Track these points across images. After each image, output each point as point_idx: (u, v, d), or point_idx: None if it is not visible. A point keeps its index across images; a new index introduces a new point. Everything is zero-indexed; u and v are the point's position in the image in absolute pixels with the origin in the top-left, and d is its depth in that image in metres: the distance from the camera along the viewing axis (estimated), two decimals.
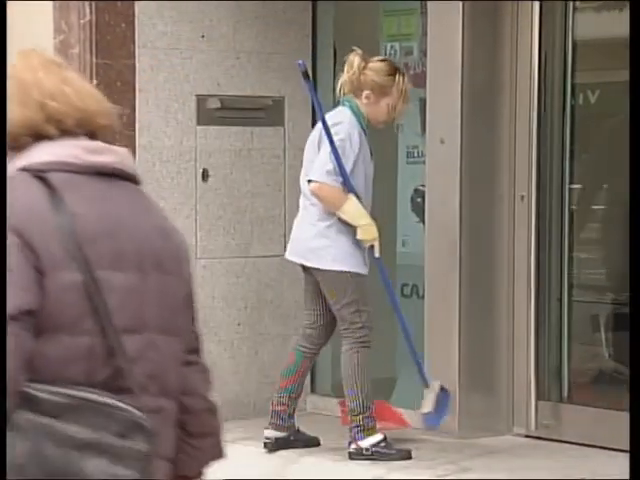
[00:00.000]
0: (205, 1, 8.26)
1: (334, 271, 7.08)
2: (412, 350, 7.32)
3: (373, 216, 8.23)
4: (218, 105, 8.28)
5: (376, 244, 7.11)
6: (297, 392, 7.37)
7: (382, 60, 7.31)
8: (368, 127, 7.23)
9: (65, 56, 7.67)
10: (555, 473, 6.84)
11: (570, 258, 7.68)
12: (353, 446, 7.05)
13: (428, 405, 7.04)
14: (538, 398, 7.57)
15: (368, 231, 6.99)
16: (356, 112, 7.06)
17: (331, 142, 6.94)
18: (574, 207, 7.81)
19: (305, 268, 7.42)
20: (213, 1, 8.28)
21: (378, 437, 7.04)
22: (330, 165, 6.96)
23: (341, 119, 7.10)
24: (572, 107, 7.79)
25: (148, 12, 8.02)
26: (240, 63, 8.35)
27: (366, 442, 6.99)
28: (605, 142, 8.04)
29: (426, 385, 7.16)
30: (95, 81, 7.67)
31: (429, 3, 7.93)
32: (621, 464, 6.60)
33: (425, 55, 8.04)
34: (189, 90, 8.22)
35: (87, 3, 7.83)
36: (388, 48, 8.56)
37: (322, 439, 7.90)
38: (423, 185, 8.00)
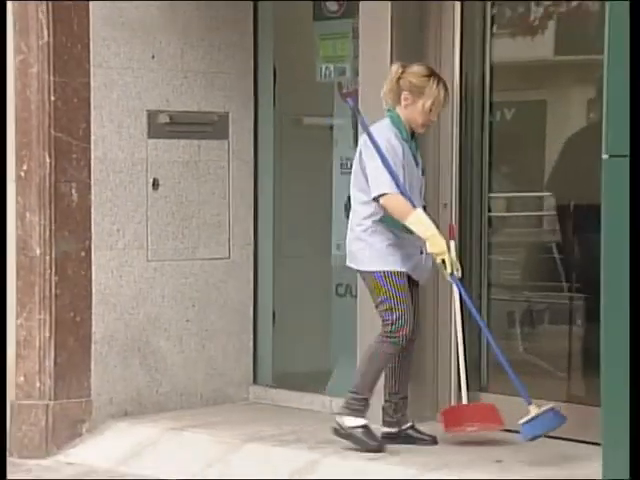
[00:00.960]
0: (155, 24, 8.27)
1: (368, 271, 7.08)
2: (504, 364, 7.14)
3: (315, 223, 8.51)
4: (167, 120, 8.32)
5: (447, 258, 6.91)
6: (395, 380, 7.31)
7: (420, 64, 7.25)
8: (407, 136, 7.09)
9: (25, 75, 7.87)
10: (474, 453, 6.96)
11: (489, 260, 7.78)
12: (338, 420, 7.03)
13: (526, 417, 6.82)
14: (459, 388, 7.61)
15: (435, 244, 6.85)
16: (396, 122, 7.05)
17: (382, 156, 6.93)
18: (492, 214, 7.91)
19: (356, 271, 7.35)
20: (162, 24, 8.30)
21: (360, 421, 7.00)
22: (384, 177, 6.92)
23: (382, 131, 7.06)
24: (490, 123, 7.91)
25: (102, 34, 8.04)
26: (188, 82, 8.42)
27: (348, 422, 6.98)
28: (520, 155, 8.20)
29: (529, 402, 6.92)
30: (53, 98, 7.81)
31: (361, 29, 7.99)
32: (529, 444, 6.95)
33: (357, 75, 8.09)
34: (140, 106, 8.25)
35: (45, 26, 7.77)
36: (324, 69, 8.60)
37: (263, 426, 7.88)
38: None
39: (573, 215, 7.98)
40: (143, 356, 8.27)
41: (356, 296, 7.96)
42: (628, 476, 5.58)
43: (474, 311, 7.22)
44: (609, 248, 5.74)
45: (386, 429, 7.20)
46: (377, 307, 7.15)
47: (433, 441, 7.12)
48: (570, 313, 7.80)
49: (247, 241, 8.82)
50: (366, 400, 7.03)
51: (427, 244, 6.90)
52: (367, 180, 7.06)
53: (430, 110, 7.07)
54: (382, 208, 6.97)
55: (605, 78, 5.73)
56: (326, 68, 8.59)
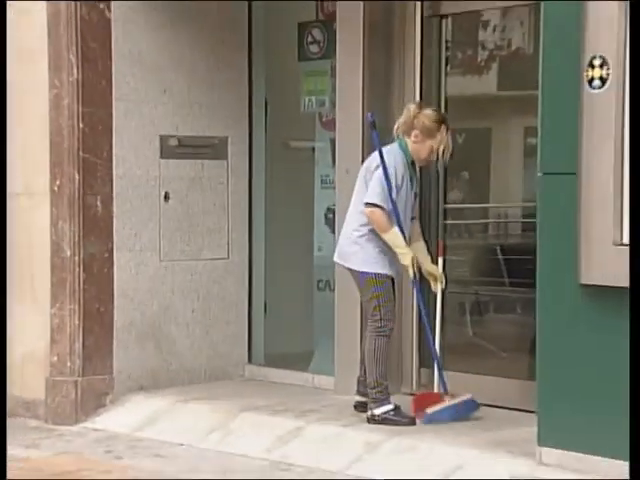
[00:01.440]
0: (166, 65, 8.25)
1: (360, 272, 7.04)
2: (434, 355, 7.22)
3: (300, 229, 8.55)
4: (176, 143, 8.32)
5: (410, 269, 6.97)
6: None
7: (434, 110, 7.21)
8: (412, 163, 7.10)
9: (58, 106, 7.87)
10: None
11: (444, 261, 7.53)
12: (369, 413, 6.99)
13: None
14: (420, 366, 7.80)
15: (404, 257, 6.91)
16: (404, 149, 6.99)
17: (385, 172, 6.91)
18: (447, 222, 7.86)
19: (348, 269, 7.22)
20: (172, 65, 8.28)
21: (389, 407, 6.97)
22: (380, 189, 6.89)
23: (391, 153, 6.99)
24: None
25: (122, 72, 8.03)
26: (193, 112, 8.42)
27: (378, 411, 6.94)
28: (470, 172, 8.21)
29: (445, 392, 7.07)
30: (81, 125, 7.81)
31: (338, 68, 8.00)
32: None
33: (334, 106, 8.11)
34: (154, 132, 8.23)
35: (75, 65, 7.76)
36: (307, 101, 8.61)
37: (256, 398, 7.86)
38: (333, 205, 8.06)
39: (513, 223, 8.11)
40: (156, 340, 8.28)
41: (334, 290, 7.96)
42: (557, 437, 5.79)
43: (423, 310, 7.22)
44: (543, 250, 5.89)
45: (359, 398, 7.19)
46: (365, 303, 7.19)
47: (412, 421, 6.98)
48: (510, 303, 7.86)
49: (243, 244, 8.81)
50: (386, 387, 7.02)
51: (399, 257, 6.95)
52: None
53: (435, 151, 7.06)
54: (367, 214, 6.94)
55: (540, 106, 5.90)
56: (309, 100, 8.59)
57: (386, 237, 6.95)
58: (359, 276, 7.09)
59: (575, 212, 5.66)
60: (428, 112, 7.07)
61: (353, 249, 7.03)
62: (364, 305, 7.20)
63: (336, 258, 7.24)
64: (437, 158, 7.18)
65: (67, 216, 7.92)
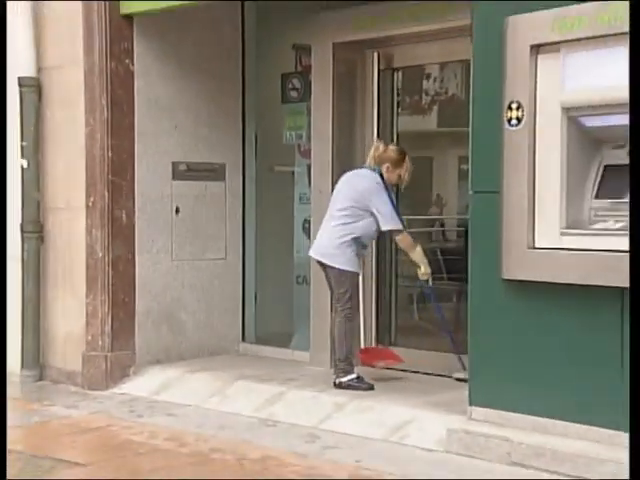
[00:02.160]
0: (177, 107, 8.21)
1: (341, 269, 6.97)
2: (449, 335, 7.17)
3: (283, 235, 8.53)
4: (185, 168, 8.28)
5: (429, 277, 7.01)
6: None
7: (397, 146, 7.22)
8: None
9: (92, 139, 7.86)
10: (380, 389, 7.03)
11: (397, 260, 7.82)
12: (337, 380, 6.96)
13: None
14: (377, 343, 7.81)
15: (426, 268, 6.94)
16: (381, 175, 6.95)
17: (389, 197, 6.96)
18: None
19: (323, 265, 7.10)
20: (182, 107, 8.24)
21: (353, 375, 6.96)
22: (393, 214, 6.88)
23: (376, 180, 6.95)
24: None
25: (143, 112, 7.99)
26: (198, 143, 8.38)
27: (344, 379, 6.93)
28: (416, 191, 8.07)
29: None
30: (110, 154, 7.81)
31: (312, 109, 8.01)
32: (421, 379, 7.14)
33: (309, 139, 8.08)
34: (167, 159, 8.19)
35: (105, 107, 7.75)
36: (288, 135, 8.55)
37: (248, 369, 7.85)
38: (309, 217, 8.04)
39: (450, 231, 8.12)
40: (169, 324, 8.27)
41: (309, 284, 7.94)
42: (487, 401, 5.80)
43: (437, 305, 7.27)
44: (473, 252, 5.93)
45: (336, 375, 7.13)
46: (338, 293, 7.05)
47: (370, 387, 6.95)
48: (448, 294, 7.86)
49: (237, 248, 8.76)
50: (351, 360, 7.02)
51: (422, 267, 6.96)
52: (360, 208, 6.92)
53: (401, 177, 7.06)
54: (398, 240, 7.02)
55: (470, 139, 5.91)
56: (289, 134, 8.54)
57: (413, 255, 7.02)
58: (338, 273, 7.00)
59: (498, 222, 5.70)
60: (393, 148, 7.11)
61: (336, 252, 6.96)
62: (337, 296, 7.05)
63: (319, 257, 7.12)
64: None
65: (99, 225, 7.89)
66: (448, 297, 7.79)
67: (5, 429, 3.83)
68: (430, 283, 7.09)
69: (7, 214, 8.42)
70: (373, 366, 7.25)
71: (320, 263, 7.13)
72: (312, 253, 7.22)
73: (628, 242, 5.17)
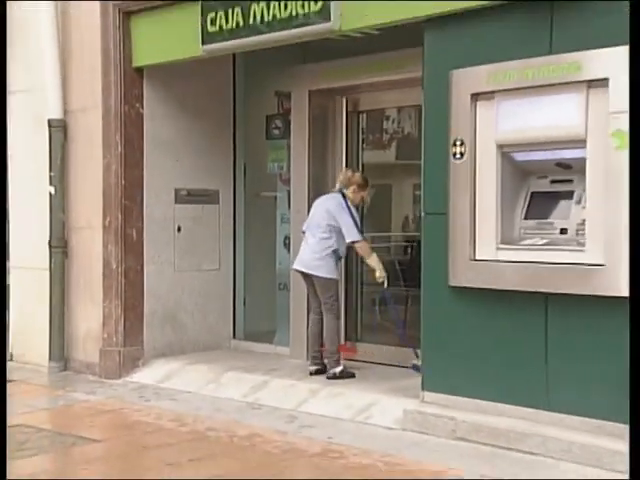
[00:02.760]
0: (179, 143, 8.14)
1: (324, 277, 6.93)
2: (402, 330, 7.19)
3: (267, 250, 8.43)
4: (185, 193, 8.22)
5: (385, 280, 6.95)
6: (318, 342, 7.13)
7: (361, 173, 7.23)
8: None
9: (108, 169, 7.86)
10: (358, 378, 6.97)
11: (362, 270, 7.78)
12: (330, 372, 6.91)
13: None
14: (346, 339, 7.68)
15: (381, 271, 6.89)
16: (344, 196, 6.94)
17: (351, 214, 6.92)
18: None
19: (306, 276, 7.05)
20: (182, 143, 8.17)
21: (340, 367, 6.90)
22: (355, 227, 6.87)
23: (340, 201, 6.95)
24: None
25: (150, 148, 7.93)
26: (196, 173, 8.31)
27: (337, 369, 6.87)
28: (375, 212, 8.09)
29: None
30: (123, 182, 7.80)
31: (292, 144, 7.96)
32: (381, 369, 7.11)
33: (289, 169, 8.07)
34: (170, 186, 8.13)
35: (119, 143, 7.72)
36: (271, 166, 8.48)
37: (237, 362, 7.78)
38: (289, 234, 8.00)
39: (407, 246, 8.11)
40: (172, 324, 8.20)
41: (289, 290, 7.90)
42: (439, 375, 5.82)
43: (393, 305, 7.29)
44: (425, 263, 5.93)
45: (314, 367, 7.08)
46: (326, 298, 6.97)
47: (353, 375, 6.94)
48: (404, 298, 7.79)
49: (229, 260, 8.67)
50: (339, 354, 6.99)
51: (378, 272, 6.92)
52: (334, 224, 6.90)
53: (363, 199, 7.12)
54: (357, 248, 6.95)
55: (422, 170, 5.93)
56: (272, 165, 8.47)
57: (370, 261, 6.97)
58: (325, 281, 6.96)
59: (445, 238, 5.73)
60: (358, 174, 7.13)
61: (320, 263, 6.93)
62: (325, 299, 6.98)
63: (304, 270, 7.04)
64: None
65: (113, 242, 7.85)
66: (404, 300, 7.74)
67: (5, 429, 3.83)
68: (385, 285, 7.04)
69: (34, 231, 8.46)
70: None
71: (304, 274, 7.06)
72: (297, 267, 7.13)
73: (553, 256, 5.30)
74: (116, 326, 7.89)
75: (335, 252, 6.99)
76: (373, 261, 6.99)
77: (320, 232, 6.95)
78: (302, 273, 7.09)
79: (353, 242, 6.92)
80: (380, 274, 6.96)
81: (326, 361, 7.01)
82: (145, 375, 7.78)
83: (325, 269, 6.95)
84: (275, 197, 8.54)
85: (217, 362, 7.82)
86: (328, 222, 6.93)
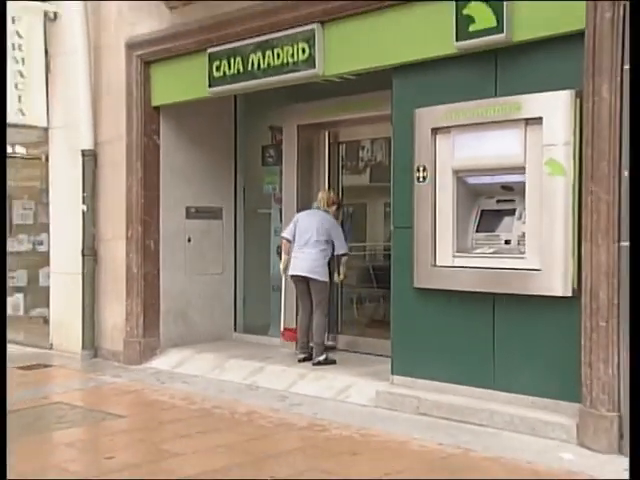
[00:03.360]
0: (189, 170, 8.07)
1: (321, 281, 6.86)
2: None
3: (262, 257, 8.33)
4: (195, 210, 8.17)
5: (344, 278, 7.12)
6: (307, 335, 7.04)
7: (338, 194, 7.33)
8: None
9: (130, 191, 7.81)
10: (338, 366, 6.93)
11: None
12: (315, 360, 6.84)
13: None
14: (329, 332, 7.41)
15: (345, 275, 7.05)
16: (332, 214, 7.01)
17: (342, 230, 7.02)
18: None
19: (303, 279, 6.95)
20: (192, 171, 8.10)
21: (324, 356, 6.85)
22: (345, 242, 6.96)
23: (333, 220, 7.01)
24: (344, 213, 7.73)
25: (165, 173, 7.89)
26: (204, 194, 8.26)
27: (321, 357, 6.82)
28: (358, 227, 8.09)
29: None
30: (142, 200, 7.77)
31: (283, 170, 7.92)
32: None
33: (281, 190, 8.03)
34: (182, 204, 8.07)
35: (140, 167, 7.68)
36: (266, 187, 8.44)
37: (238, 351, 7.67)
38: (280, 244, 7.63)
39: (378, 254, 8.07)
40: (183, 319, 8.13)
41: (281, 291, 7.74)
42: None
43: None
44: (394, 268, 5.90)
45: (302, 355, 7.02)
46: (320, 297, 6.92)
47: (334, 362, 6.89)
48: (377, 297, 7.76)
49: (230, 265, 8.57)
50: (324, 344, 6.97)
51: (342, 274, 7.08)
52: (329, 238, 6.89)
53: (339, 216, 7.20)
54: (344, 260, 7.02)
55: (392, 191, 5.90)
56: (267, 187, 8.44)
57: (342, 266, 7.09)
58: (321, 284, 6.90)
59: (411, 248, 5.73)
60: (335, 195, 7.18)
61: (320, 270, 6.87)
62: (318, 299, 6.92)
63: (306, 274, 6.91)
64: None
65: (134, 251, 7.83)
66: (377, 300, 7.69)
67: (5, 429, 3.57)
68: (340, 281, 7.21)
69: (70, 242, 8.39)
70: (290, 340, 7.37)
71: (305, 278, 6.94)
72: (299, 272, 6.97)
73: (499, 262, 5.30)
74: (137, 321, 7.84)
75: (329, 260, 6.99)
76: (344, 267, 7.09)
77: (320, 245, 6.89)
78: (301, 278, 6.98)
79: (344, 254, 6.98)
80: (344, 275, 7.11)
81: (314, 349, 6.93)
82: (161, 362, 7.74)
83: (323, 274, 6.90)
84: (269, 213, 8.49)
85: (221, 351, 7.76)
86: (326, 237, 6.90)
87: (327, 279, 6.95)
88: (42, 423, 5.58)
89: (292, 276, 7.06)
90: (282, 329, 7.53)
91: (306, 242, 6.95)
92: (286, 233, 7.19)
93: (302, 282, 7.00)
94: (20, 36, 8.17)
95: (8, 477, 3.67)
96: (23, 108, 8.27)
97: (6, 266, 7.31)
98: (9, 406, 5.76)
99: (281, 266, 7.36)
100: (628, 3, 4.39)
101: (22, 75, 8.21)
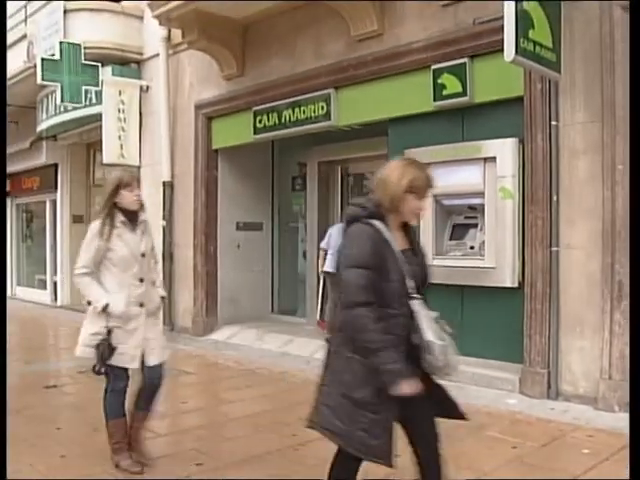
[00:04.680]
0: (238, 194, 8.00)
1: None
2: None
3: (292, 259, 8.18)
4: (242, 225, 8.13)
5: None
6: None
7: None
8: None
9: (196, 212, 7.76)
10: None
11: None
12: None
13: None
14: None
15: None
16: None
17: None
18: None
19: (333, 275, 6.22)
20: (240, 193, 8.01)
21: None
22: None
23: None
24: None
25: (222, 196, 7.79)
26: (249, 212, 8.20)
27: None
28: None
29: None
30: (205, 219, 7.71)
31: (308, 196, 7.85)
32: None
33: (306, 209, 7.90)
34: (233, 220, 7.99)
35: (204, 194, 7.63)
36: (295, 207, 8.30)
37: (274, 327, 7.53)
38: (306, 250, 7.77)
39: None
40: (234, 304, 8.01)
41: (305, 283, 7.67)
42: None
43: None
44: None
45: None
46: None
47: None
48: None
49: (268, 264, 8.45)
50: None
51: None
52: None
53: None
54: None
55: None
56: (296, 207, 8.37)
57: None
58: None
59: None
60: None
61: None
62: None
63: (331, 270, 6.39)
64: None
65: (199, 254, 7.71)
66: None
67: (5, 429, 3.03)
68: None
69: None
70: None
71: (334, 274, 6.37)
72: (328, 269, 6.58)
73: (466, 262, 5.25)
74: (201, 305, 7.81)
75: None
76: None
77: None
78: (333, 274, 6.53)
79: None
80: None
81: None
82: (218, 334, 7.67)
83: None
84: (297, 227, 8.41)
85: (261, 327, 7.70)
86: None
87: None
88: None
89: (327, 272, 6.67)
90: (318, 319, 7.19)
91: (333, 248, 6.61)
92: (323, 244, 6.82)
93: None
94: (123, 103, 8.35)
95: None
96: (124, 152, 8.42)
97: (6, 266, 6.96)
98: None
99: (320, 269, 6.93)
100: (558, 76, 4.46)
101: (123, 130, 8.37)
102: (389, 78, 5.76)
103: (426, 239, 5.56)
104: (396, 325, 2.05)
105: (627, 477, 2.27)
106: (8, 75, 9.63)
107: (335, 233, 6.71)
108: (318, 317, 7.15)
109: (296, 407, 4.59)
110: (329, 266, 6.60)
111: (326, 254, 6.76)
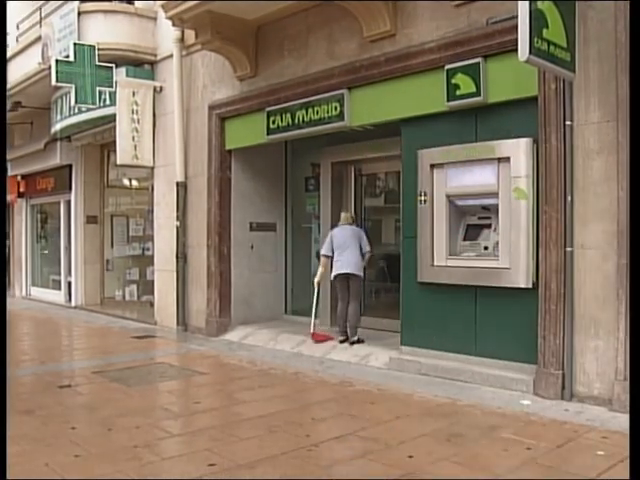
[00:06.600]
0: (252, 196, 8.00)
1: (359, 276, 6.50)
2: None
3: (305, 259, 8.11)
4: (256, 225, 8.11)
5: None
6: (345, 320, 6.56)
7: (352, 215, 6.90)
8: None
9: (210, 213, 7.76)
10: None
11: (365, 271, 7.49)
12: (352, 339, 6.47)
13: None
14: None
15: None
16: (354, 228, 6.64)
17: (367, 236, 6.62)
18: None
19: (344, 277, 6.53)
20: (253, 195, 8.03)
21: (357, 337, 6.48)
22: (369, 244, 6.59)
23: (362, 231, 6.71)
24: (364, 224, 7.49)
25: (235, 197, 7.79)
26: (263, 212, 8.19)
27: (355, 338, 6.47)
28: (374, 234, 7.57)
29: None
30: (219, 219, 7.66)
31: (321, 197, 7.78)
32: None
33: (319, 209, 7.84)
34: (247, 221, 7.93)
35: (216, 194, 7.61)
36: (308, 207, 8.26)
37: (287, 328, 7.50)
38: (319, 250, 7.35)
39: (392, 256, 7.93)
40: (247, 304, 8.03)
41: (320, 284, 7.48)
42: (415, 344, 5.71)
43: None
44: (404, 268, 5.82)
45: (341, 337, 6.62)
46: (358, 290, 6.56)
47: (363, 341, 6.53)
48: (390, 289, 7.53)
49: (282, 265, 8.42)
50: (357, 328, 6.56)
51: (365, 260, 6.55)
52: (359, 242, 6.52)
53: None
54: (367, 253, 6.54)
55: (401, 210, 5.84)
56: (309, 207, 8.35)
57: (364, 262, 6.59)
58: (359, 278, 6.52)
59: (415, 252, 5.70)
60: (351, 216, 6.85)
61: (357, 266, 6.47)
62: (356, 291, 6.51)
63: (350, 271, 6.50)
64: None
65: (213, 254, 7.75)
66: (390, 291, 7.44)
67: (5, 429, 3.14)
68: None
69: (168, 248, 8.36)
70: (319, 341, 6.75)
71: (347, 275, 6.54)
72: (344, 271, 6.53)
73: (480, 263, 5.23)
74: (214, 305, 7.82)
75: (364, 260, 6.63)
76: (367, 262, 6.63)
77: (355, 249, 6.51)
78: (343, 275, 6.55)
79: (369, 251, 6.59)
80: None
81: (349, 331, 6.59)
82: (232, 335, 7.68)
83: (360, 271, 6.53)
84: (310, 227, 8.40)
85: (275, 328, 7.69)
86: (358, 242, 6.54)
87: (362, 274, 6.56)
88: (151, 377, 5.62)
89: (336, 276, 6.58)
90: (312, 332, 6.81)
91: (344, 249, 6.59)
92: (325, 250, 6.70)
93: (344, 279, 6.57)
94: (137, 104, 8.40)
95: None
96: (137, 154, 8.45)
97: (6, 266, 6.87)
98: (129, 363, 5.98)
99: (316, 279, 6.83)
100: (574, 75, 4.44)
101: (137, 131, 8.41)
102: (402, 78, 5.74)
103: (439, 239, 5.57)
104: None
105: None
106: (23, 77, 9.74)
107: (338, 235, 6.65)
108: (312, 329, 6.83)
109: (310, 408, 4.60)
110: (345, 268, 6.48)
111: (328, 260, 6.68)
